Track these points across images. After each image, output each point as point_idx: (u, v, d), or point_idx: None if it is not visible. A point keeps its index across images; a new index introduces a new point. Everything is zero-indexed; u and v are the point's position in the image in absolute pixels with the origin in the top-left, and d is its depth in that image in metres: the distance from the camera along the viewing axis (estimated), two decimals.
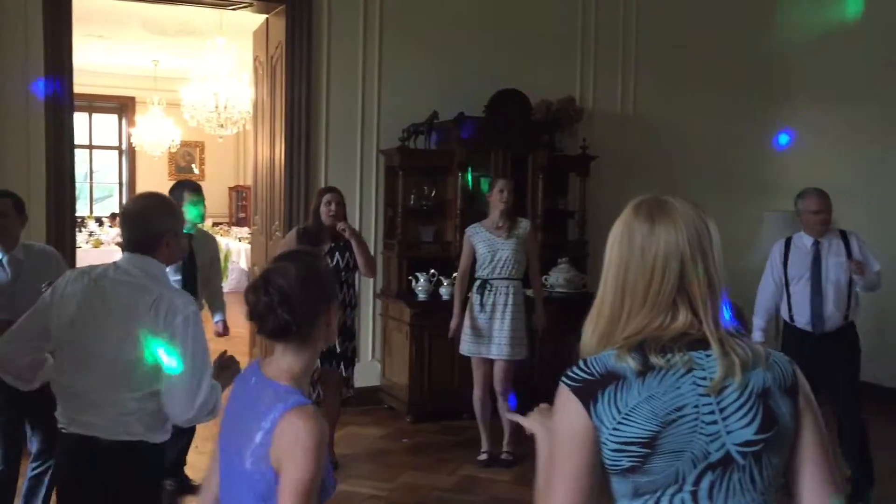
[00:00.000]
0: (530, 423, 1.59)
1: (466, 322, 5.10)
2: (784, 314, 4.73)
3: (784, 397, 1.44)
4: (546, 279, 6.20)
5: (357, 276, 5.11)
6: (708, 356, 1.43)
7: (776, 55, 7.21)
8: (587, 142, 6.46)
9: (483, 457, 5.11)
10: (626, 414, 1.40)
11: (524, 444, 5.16)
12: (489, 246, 5.07)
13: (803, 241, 4.68)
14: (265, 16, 6.51)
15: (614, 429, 1.40)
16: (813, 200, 4.60)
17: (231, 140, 13.02)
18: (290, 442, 1.69)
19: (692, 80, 7.03)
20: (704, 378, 1.41)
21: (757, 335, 4.75)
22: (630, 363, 1.41)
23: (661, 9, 6.94)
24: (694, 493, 1.41)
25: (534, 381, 6.02)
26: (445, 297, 5.93)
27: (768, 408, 1.42)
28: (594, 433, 1.41)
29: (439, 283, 5.99)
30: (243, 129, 10.74)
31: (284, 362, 1.83)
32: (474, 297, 5.09)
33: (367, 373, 6.24)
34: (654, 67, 6.93)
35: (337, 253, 4.89)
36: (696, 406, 1.40)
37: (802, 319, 4.60)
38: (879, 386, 6.32)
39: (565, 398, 1.44)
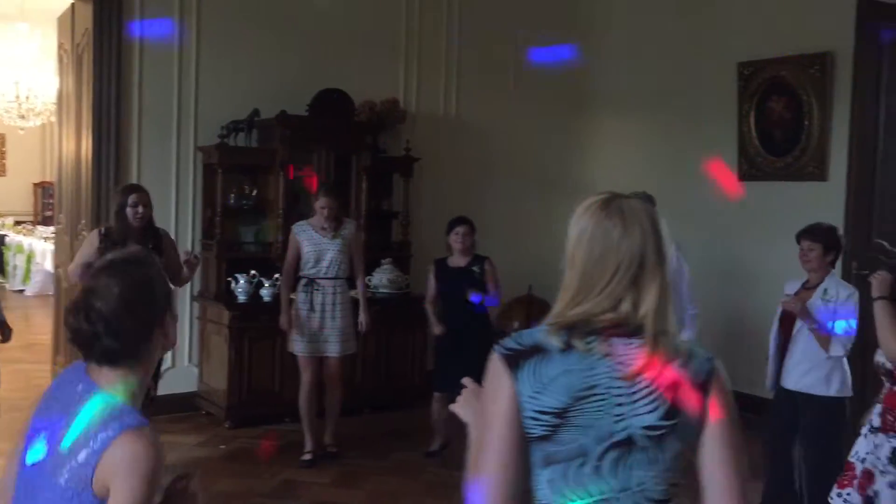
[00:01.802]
0: (462, 411, 1.67)
1: (297, 321, 5.07)
2: None
3: (695, 390, 1.53)
4: (370, 280, 6.20)
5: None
6: (630, 345, 1.52)
7: (590, 61, 7.58)
8: (411, 143, 6.52)
9: (307, 457, 5.06)
10: (545, 384, 1.50)
11: (342, 445, 5.19)
12: (315, 245, 5.08)
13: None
14: (71, 1, 6.10)
15: (531, 397, 1.50)
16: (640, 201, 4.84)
17: (36, 132, 12.12)
18: (124, 468, 1.57)
19: (512, 84, 7.25)
20: (622, 364, 1.51)
21: None
22: (555, 341, 1.52)
23: (481, 13, 7.11)
24: (598, 468, 1.51)
25: (357, 379, 6.04)
26: (267, 299, 5.80)
27: (675, 399, 1.52)
28: (517, 399, 1.51)
29: (260, 285, 5.85)
30: (49, 122, 10.03)
31: (116, 375, 1.69)
32: (301, 297, 5.08)
33: (182, 378, 5.99)
34: (476, 71, 7.09)
35: None
36: (608, 387, 1.51)
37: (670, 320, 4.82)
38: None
39: (495, 365, 1.55)
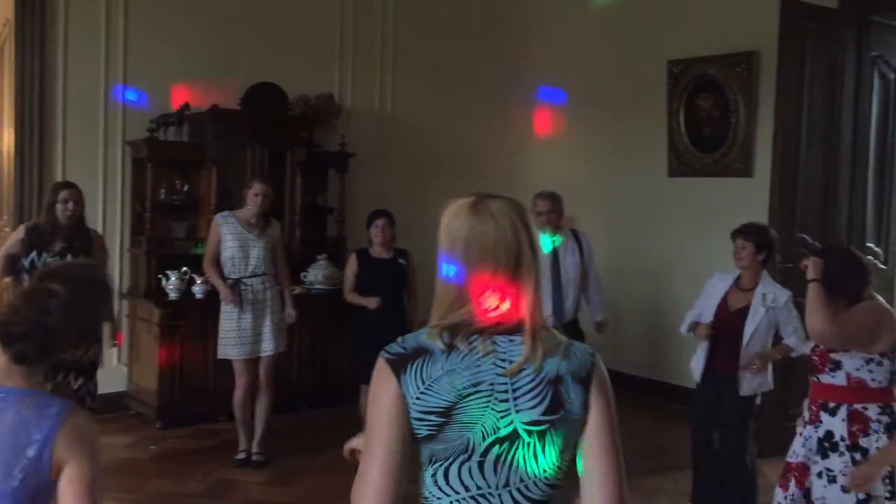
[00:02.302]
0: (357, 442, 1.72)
1: (227, 326, 4.94)
2: None
3: (576, 385, 1.55)
4: (304, 276, 6.16)
5: None
6: (512, 342, 1.55)
7: (524, 58, 7.64)
8: (346, 138, 6.48)
9: (241, 455, 5.00)
10: (429, 385, 1.52)
11: (275, 443, 5.12)
12: (240, 241, 4.95)
13: (542, 240, 5.00)
14: None
15: (417, 398, 1.52)
16: (538, 202, 4.91)
17: None
18: (76, 443, 1.72)
19: (447, 81, 7.25)
20: (504, 360, 1.54)
21: None
22: (438, 342, 1.54)
23: (417, 10, 7.10)
24: (481, 463, 1.53)
25: (293, 378, 5.98)
26: (199, 296, 5.70)
27: (558, 393, 1.54)
28: (403, 402, 1.52)
29: (192, 282, 5.74)
30: None
31: (22, 370, 1.78)
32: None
33: (111, 378, 5.83)
34: (412, 66, 7.08)
35: (70, 255, 4.47)
36: (491, 384, 1.53)
37: (544, 314, 4.89)
38: (609, 370, 6.89)
39: (380, 370, 1.56)
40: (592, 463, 1.55)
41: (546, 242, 4.93)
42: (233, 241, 4.94)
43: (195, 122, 5.93)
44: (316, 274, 6.23)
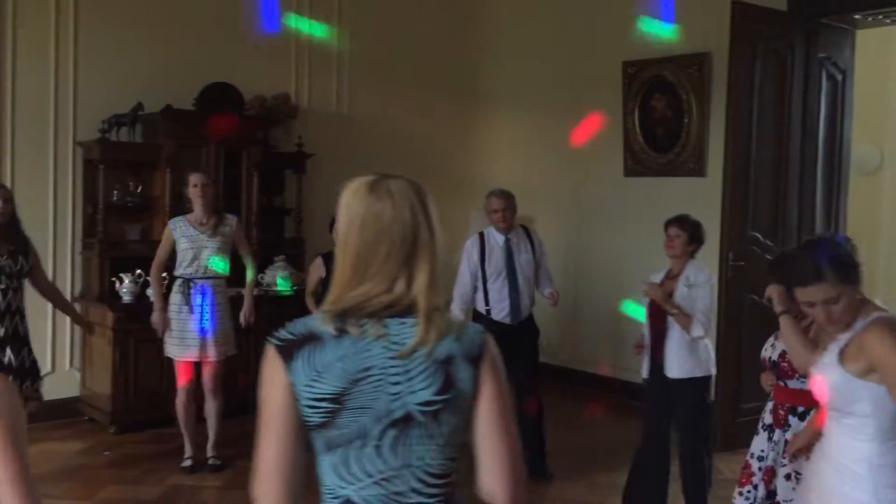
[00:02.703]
0: None
1: (174, 325, 4.87)
2: (480, 307, 4.98)
3: (467, 365, 1.56)
4: (262, 278, 6.10)
5: (26, 281, 4.53)
6: (404, 324, 1.54)
7: (480, 59, 7.68)
8: (303, 139, 6.45)
9: (187, 462, 4.92)
10: (320, 371, 1.51)
11: (230, 448, 5.06)
12: (192, 242, 4.87)
13: (496, 238, 4.99)
14: None
15: (308, 385, 1.51)
16: (493, 200, 4.94)
17: None
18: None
19: (404, 81, 7.26)
20: (396, 344, 1.53)
21: None
22: (329, 328, 1.53)
23: (374, 9, 7.09)
24: (378, 447, 1.53)
25: (250, 379, 5.92)
26: (153, 299, 5.61)
27: (449, 374, 1.55)
28: (292, 389, 1.51)
29: (146, 284, 5.65)
30: None
31: None
32: (177, 298, 4.88)
33: (63, 383, 5.74)
34: (368, 66, 7.06)
35: (8, 257, 4.35)
36: (383, 368, 1.53)
37: (501, 313, 4.92)
38: (566, 368, 6.95)
39: (269, 357, 1.54)
40: (486, 438, 1.57)
41: (499, 238, 4.95)
42: (186, 242, 4.87)
43: (149, 122, 5.85)
44: (273, 276, 6.18)
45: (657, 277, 4.18)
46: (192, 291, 4.84)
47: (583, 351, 6.96)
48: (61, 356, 5.82)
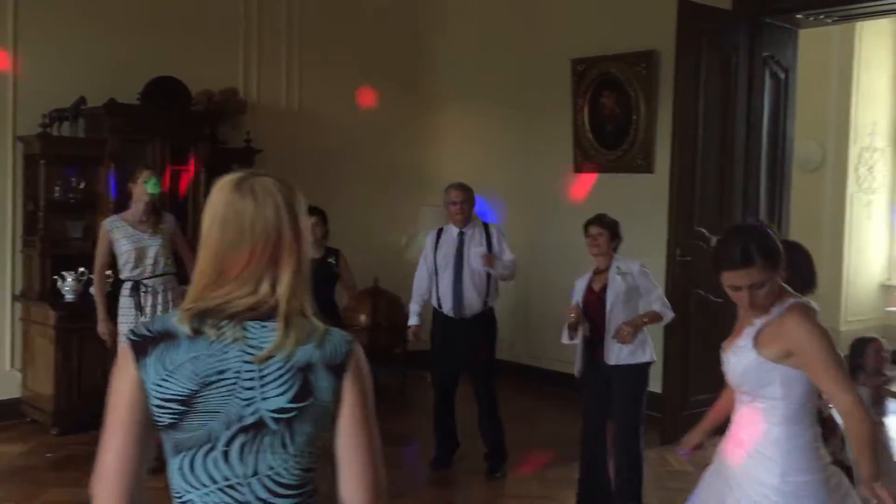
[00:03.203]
0: None
1: (122, 328, 4.73)
2: (433, 301, 5.02)
3: (328, 373, 1.51)
4: None
5: None
6: (264, 327, 1.50)
7: (431, 56, 7.67)
8: (252, 135, 6.37)
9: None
10: (171, 371, 1.47)
11: None
12: (135, 243, 4.76)
13: (451, 231, 5.01)
14: None
15: (157, 384, 1.47)
16: (451, 192, 4.96)
17: None
18: None
19: (356, 78, 7.21)
20: (254, 347, 1.49)
21: (413, 319, 5.04)
22: (185, 327, 1.49)
23: (323, 5, 7.03)
24: (226, 453, 1.49)
25: None
26: (98, 308, 5.49)
27: (307, 381, 1.49)
28: (142, 387, 1.48)
29: (89, 283, 5.52)
30: None
31: None
32: (127, 302, 4.76)
33: (4, 384, 5.60)
34: (319, 63, 7.01)
35: None
36: (237, 371, 1.48)
37: (447, 306, 4.93)
38: (518, 363, 6.99)
39: (123, 353, 1.52)
40: (345, 450, 1.53)
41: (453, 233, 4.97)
42: (127, 244, 4.75)
43: (92, 116, 5.72)
44: None
45: (582, 281, 4.29)
46: (142, 293, 4.74)
47: (535, 346, 6.99)
48: (1, 357, 5.67)
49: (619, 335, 4.01)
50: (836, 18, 6.01)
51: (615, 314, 4.08)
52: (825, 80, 7.90)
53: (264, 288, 1.50)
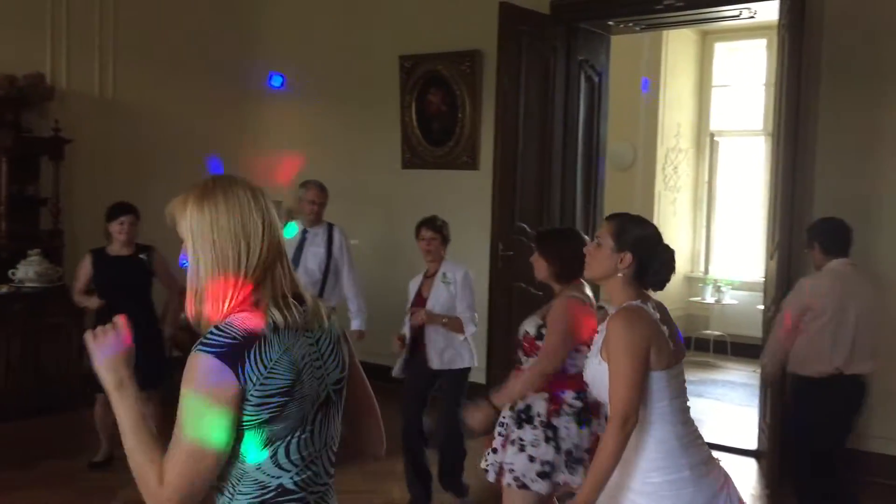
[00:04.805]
0: None
1: None
2: None
3: (344, 342, 1.71)
4: (13, 273, 5.62)
5: None
6: (304, 313, 1.60)
7: (258, 50, 7.49)
8: (61, 123, 5.96)
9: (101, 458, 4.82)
10: (271, 368, 1.50)
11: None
12: None
13: (294, 226, 5.02)
14: None
15: (261, 384, 1.49)
16: (312, 192, 4.96)
17: None
18: None
19: (179, 68, 6.92)
20: (312, 331, 1.62)
21: None
22: (264, 324, 1.52)
23: None
24: (312, 431, 1.59)
25: (3, 385, 5.44)
26: None
27: (342, 351, 1.69)
28: (241, 394, 1.48)
29: None
30: None
31: None
32: None
33: None
34: (137, 52, 6.66)
35: None
36: (311, 354, 1.60)
37: None
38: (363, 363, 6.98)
39: (209, 365, 1.47)
40: (362, 404, 1.75)
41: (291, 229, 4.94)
42: None
43: None
44: (27, 270, 5.69)
45: (416, 281, 4.40)
46: None
47: (367, 343, 6.99)
48: None
49: (414, 316, 4.21)
50: (643, 27, 6.40)
51: (434, 325, 4.21)
52: (636, 85, 8.42)
53: (278, 278, 1.60)
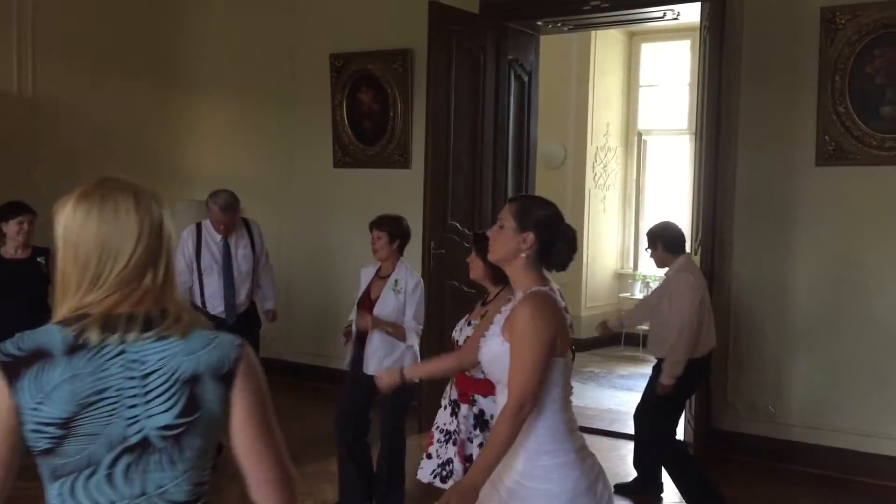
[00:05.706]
0: None
1: None
2: (196, 300, 4.86)
3: (216, 383, 1.45)
4: None
5: None
6: (146, 339, 1.42)
7: (181, 45, 7.36)
8: None
9: None
10: (47, 392, 1.37)
11: None
12: None
13: (212, 234, 4.89)
14: None
15: (33, 409, 1.37)
16: (214, 214, 4.82)
17: None
18: None
19: (102, 66, 6.75)
20: (135, 362, 1.40)
21: None
22: (62, 339, 1.39)
23: None
24: (109, 476, 1.41)
25: None
26: None
27: (193, 394, 1.43)
28: (16, 412, 1.37)
29: None
30: None
31: None
32: None
33: None
34: (58, 47, 6.47)
35: None
36: (119, 389, 1.40)
37: (217, 308, 4.84)
38: (278, 359, 6.91)
39: None
40: (248, 457, 1.48)
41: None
42: None
43: None
44: None
45: (368, 272, 4.27)
46: None
47: (293, 342, 6.95)
48: None
49: (360, 320, 4.08)
50: (571, 27, 6.50)
51: (380, 330, 4.10)
52: (566, 84, 8.54)
53: (140, 293, 1.45)
